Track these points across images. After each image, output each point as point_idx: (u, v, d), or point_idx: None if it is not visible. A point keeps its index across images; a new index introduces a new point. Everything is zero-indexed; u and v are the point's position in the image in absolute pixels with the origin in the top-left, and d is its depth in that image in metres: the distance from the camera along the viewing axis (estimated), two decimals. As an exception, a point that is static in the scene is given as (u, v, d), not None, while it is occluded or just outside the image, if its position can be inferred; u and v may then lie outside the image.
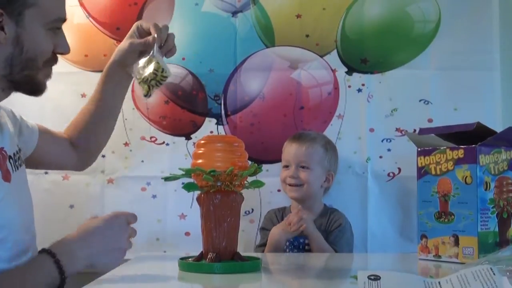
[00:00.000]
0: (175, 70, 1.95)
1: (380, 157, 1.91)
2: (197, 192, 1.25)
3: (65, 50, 1.20)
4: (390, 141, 1.92)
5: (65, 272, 1.03)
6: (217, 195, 1.19)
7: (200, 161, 1.22)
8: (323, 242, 1.70)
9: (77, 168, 1.56)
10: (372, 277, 0.86)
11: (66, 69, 1.87)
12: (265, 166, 1.92)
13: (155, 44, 1.31)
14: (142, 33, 1.38)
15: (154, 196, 1.92)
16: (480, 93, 1.93)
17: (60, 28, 1.18)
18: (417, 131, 1.52)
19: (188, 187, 1.21)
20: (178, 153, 1.94)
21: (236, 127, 1.95)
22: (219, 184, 1.18)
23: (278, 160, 1.87)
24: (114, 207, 1.87)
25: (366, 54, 1.95)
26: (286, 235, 1.70)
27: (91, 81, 1.91)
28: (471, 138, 1.35)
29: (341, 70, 1.95)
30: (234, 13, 1.96)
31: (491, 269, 0.86)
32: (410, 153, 1.48)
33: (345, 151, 1.93)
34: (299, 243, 1.72)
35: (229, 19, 1.96)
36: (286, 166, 1.81)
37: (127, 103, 1.94)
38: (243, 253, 1.25)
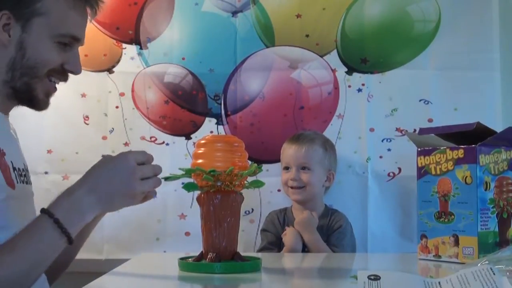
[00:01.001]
0: (175, 70, 1.95)
1: (380, 157, 1.91)
2: (197, 192, 1.25)
3: (75, 69, 1.18)
4: (390, 141, 1.92)
5: (67, 230, 0.98)
6: (217, 195, 1.19)
7: (200, 161, 1.22)
8: (322, 244, 1.69)
9: None
10: (372, 277, 0.86)
11: (66, 69, 1.87)
12: (265, 166, 1.92)
13: None
14: None
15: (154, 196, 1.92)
16: (480, 93, 1.93)
17: (71, 45, 1.16)
18: (417, 131, 1.52)
19: (188, 187, 1.21)
20: (178, 153, 1.93)
21: (236, 127, 1.95)
22: (219, 184, 1.18)
23: (278, 160, 1.87)
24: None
25: (366, 54, 1.95)
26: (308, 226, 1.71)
27: (91, 81, 1.92)
28: (471, 138, 1.35)
29: (341, 70, 1.95)
30: (234, 13, 1.96)
31: (491, 269, 0.86)
32: (410, 153, 1.47)
33: (345, 151, 1.93)
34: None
35: (229, 19, 1.96)
36: (287, 168, 1.81)
37: (127, 103, 1.94)
38: (243, 253, 1.25)
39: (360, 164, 1.93)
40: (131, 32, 1.95)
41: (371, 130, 1.93)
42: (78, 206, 1.01)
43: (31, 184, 1.25)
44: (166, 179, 1.22)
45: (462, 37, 1.94)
